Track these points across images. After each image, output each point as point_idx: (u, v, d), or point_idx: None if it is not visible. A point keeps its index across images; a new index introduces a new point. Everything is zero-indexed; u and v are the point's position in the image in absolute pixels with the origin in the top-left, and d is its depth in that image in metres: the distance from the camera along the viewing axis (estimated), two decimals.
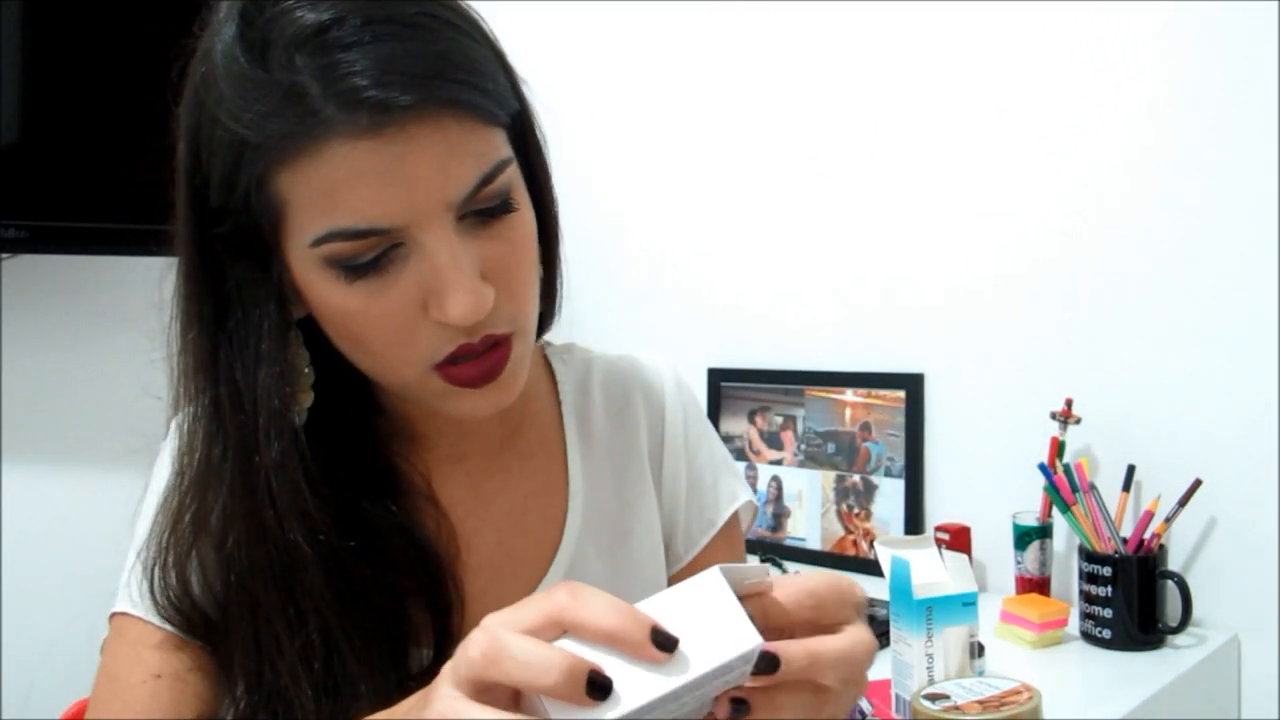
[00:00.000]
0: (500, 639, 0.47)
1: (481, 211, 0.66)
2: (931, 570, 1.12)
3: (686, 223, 2.02)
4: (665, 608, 0.50)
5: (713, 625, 0.50)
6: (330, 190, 0.62)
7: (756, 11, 1.89)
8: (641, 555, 0.87)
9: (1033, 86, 1.60)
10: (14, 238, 1.60)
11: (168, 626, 0.73)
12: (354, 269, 0.64)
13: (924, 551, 1.15)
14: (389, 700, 0.60)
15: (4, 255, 1.68)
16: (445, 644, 0.73)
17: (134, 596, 0.74)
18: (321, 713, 0.68)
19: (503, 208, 0.67)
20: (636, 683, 0.48)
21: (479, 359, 0.68)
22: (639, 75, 2.07)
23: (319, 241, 0.63)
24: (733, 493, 0.93)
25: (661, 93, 2.04)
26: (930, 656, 1.11)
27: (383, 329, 0.66)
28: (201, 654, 0.74)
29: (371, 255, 0.64)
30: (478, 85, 0.64)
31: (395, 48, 0.61)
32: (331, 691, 0.69)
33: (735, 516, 0.94)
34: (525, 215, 0.70)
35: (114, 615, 0.76)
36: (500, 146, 0.67)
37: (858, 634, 0.54)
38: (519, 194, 0.69)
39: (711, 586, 0.51)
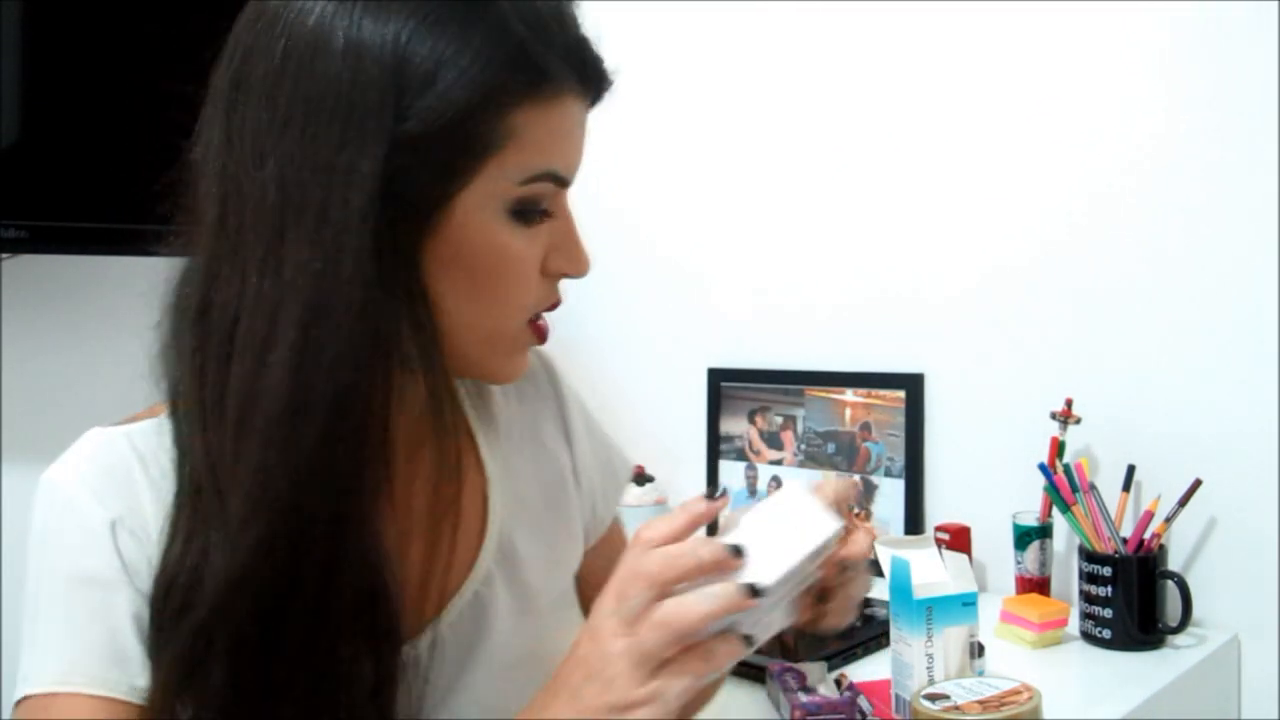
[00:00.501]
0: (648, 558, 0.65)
1: None
2: (931, 570, 1.12)
3: (687, 223, 2.02)
4: (763, 515, 0.69)
5: (805, 519, 0.69)
6: (557, 134, 0.71)
7: (758, 12, 1.89)
8: (562, 527, 0.91)
9: (1033, 87, 1.60)
10: (14, 238, 1.60)
11: (127, 697, 0.69)
12: (528, 215, 0.71)
13: (924, 551, 1.15)
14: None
15: (4, 255, 1.68)
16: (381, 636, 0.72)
17: (71, 669, 0.69)
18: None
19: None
20: (766, 564, 0.65)
21: (540, 317, 0.77)
22: (639, 75, 2.07)
23: (533, 179, 0.70)
24: (625, 462, 1.02)
25: (662, 92, 2.04)
26: (930, 656, 1.11)
27: (525, 275, 0.73)
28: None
29: (544, 205, 0.73)
30: None
31: (577, 25, 0.74)
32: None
33: None
34: None
35: (27, 700, 0.70)
36: None
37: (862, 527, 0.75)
38: None
39: (795, 494, 0.70)
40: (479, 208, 0.69)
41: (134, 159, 1.63)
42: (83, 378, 1.79)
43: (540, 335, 0.77)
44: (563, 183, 0.73)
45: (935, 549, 1.16)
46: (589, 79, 0.73)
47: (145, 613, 0.70)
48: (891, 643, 1.16)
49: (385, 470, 0.71)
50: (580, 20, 0.74)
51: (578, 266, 0.76)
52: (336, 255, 0.65)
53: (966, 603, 1.11)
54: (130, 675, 0.70)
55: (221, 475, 0.68)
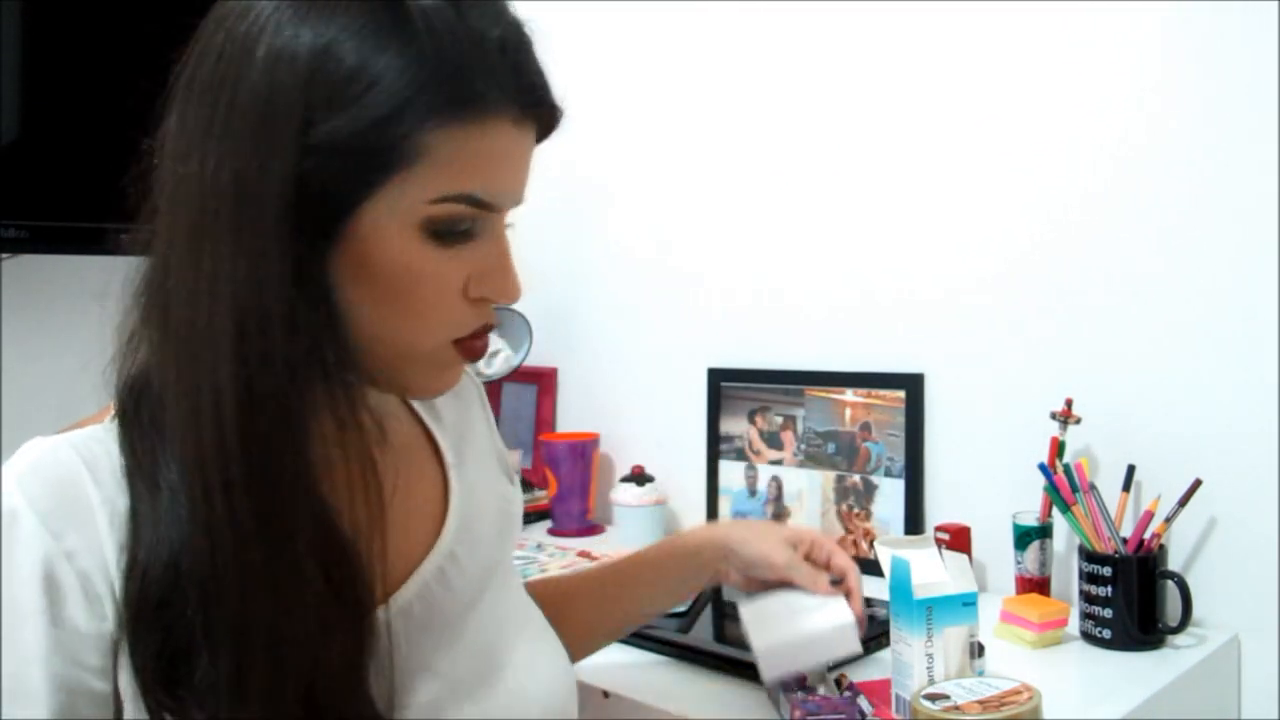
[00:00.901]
0: None
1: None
2: (931, 570, 1.12)
3: (687, 223, 2.02)
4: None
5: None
6: (478, 158, 0.69)
7: (759, 12, 1.89)
8: (511, 514, 0.97)
9: (1032, 86, 1.60)
10: (14, 238, 1.60)
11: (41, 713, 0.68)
12: (443, 235, 0.70)
13: (924, 551, 1.15)
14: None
15: (4, 255, 1.68)
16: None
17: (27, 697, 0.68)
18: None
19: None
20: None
21: (479, 337, 0.76)
22: (639, 75, 2.07)
23: (445, 199, 0.69)
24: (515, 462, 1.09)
25: (662, 92, 2.04)
26: (930, 656, 1.11)
27: (438, 297, 0.72)
28: None
29: (464, 226, 0.71)
30: None
31: (531, 56, 0.73)
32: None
33: None
34: None
35: None
36: None
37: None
38: None
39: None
40: (386, 222, 0.69)
41: (135, 159, 1.63)
42: (83, 378, 1.79)
43: (469, 355, 0.76)
44: (484, 207, 0.71)
45: (935, 549, 1.16)
46: (527, 107, 0.71)
47: (61, 644, 0.69)
48: (891, 643, 1.16)
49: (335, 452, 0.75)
50: (530, 48, 0.73)
51: (504, 294, 0.74)
52: (257, 259, 0.67)
53: (966, 603, 1.11)
54: (32, 710, 0.68)
55: (177, 467, 0.70)
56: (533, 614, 0.96)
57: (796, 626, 1.10)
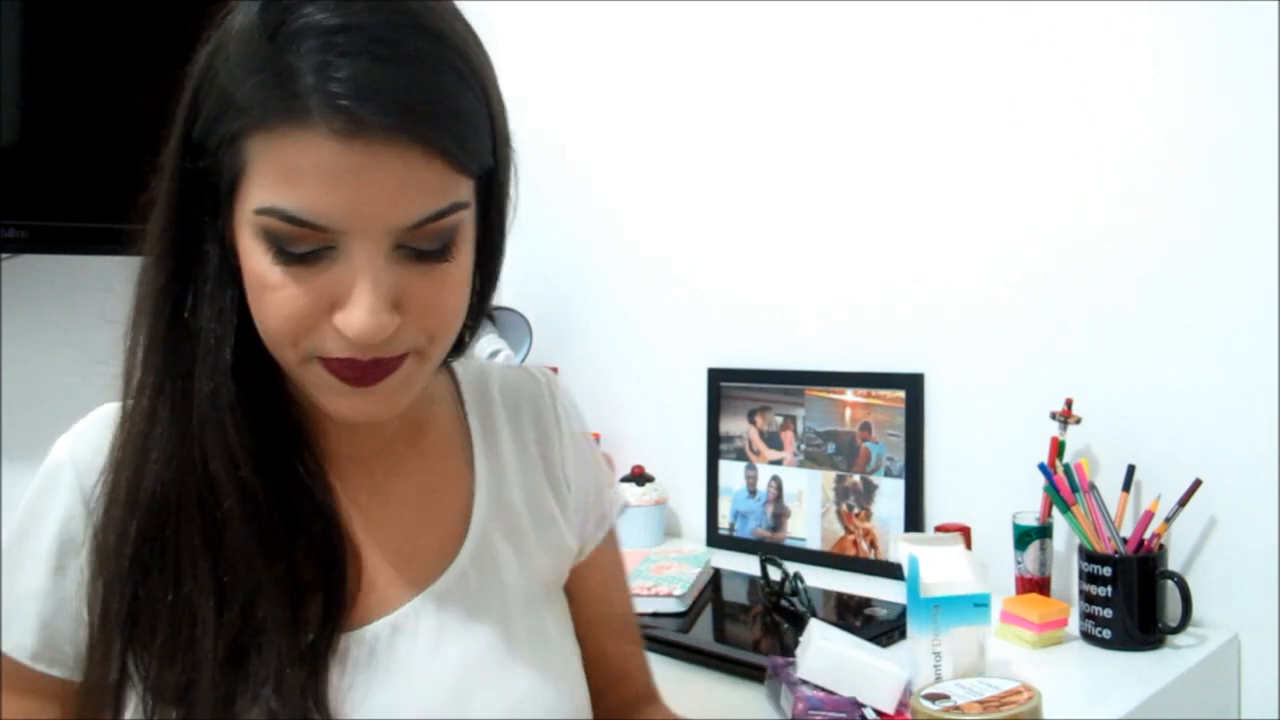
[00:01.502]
0: None
1: (419, 251, 0.69)
2: (945, 569, 1.12)
3: (686, 223, 2.02)
4: None
5: None
6: (286, 173, 0.65)
7: (759, 12, 1.89)
8: (546, 547, 0.91)
9: (1032, 88, 1.60)
10: (14, 238, 1.60)
11: (36, 664, 0.76)
12: (284, 252, 0.67)
13: (945, 550, 1.14)
14: (284, 673, 0.69)
15: (4, 255, 1.68)
16: (330, 623, 0.75)
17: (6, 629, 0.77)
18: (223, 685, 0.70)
19: (440, 254, 0.70)
20: None
21: (363, 367, 0.70)
22: (640, 76, 2.07)
23: (261, 212, 0.67)
24: (617, 495, 1.01)
25: (662, 93, 2.04)
26: (938, 654, 1.11)
27: (287, 310, 0.68)
28: (69, 694, 0.76)
29: (305, 248, 0.67)
30: (453, 131, 0.67)
31: (388, 71, 0.64)
32: (236, 660, 0.71)
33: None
34: (461, 265, 0.72)
35: None
36: (457, 190, 0.69)
37: None
38: (462, 243, 0.72)
39: None
40: (243, 232, 0.69)
41: (135, 159, 1.63)
42: (83, 378, 1.79)
43: (340, 375, 0.70)
44: (303, 225, 0.65)
45: (960, 549, 1.16)
46: (343, 119, 0.63)
47: (55, 591, 0.76)
48: (907, 639, 1.16)
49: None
50: (366, 53, 0.64)
51: (342, 324, 0.67)
52: (172, 261, 0.73)
53: (978, 604, 1.11)
54: (22, 636, 0.77)
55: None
56: (541, 649, 0.87)
57: (856, 651, 1.15)
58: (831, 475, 1.81)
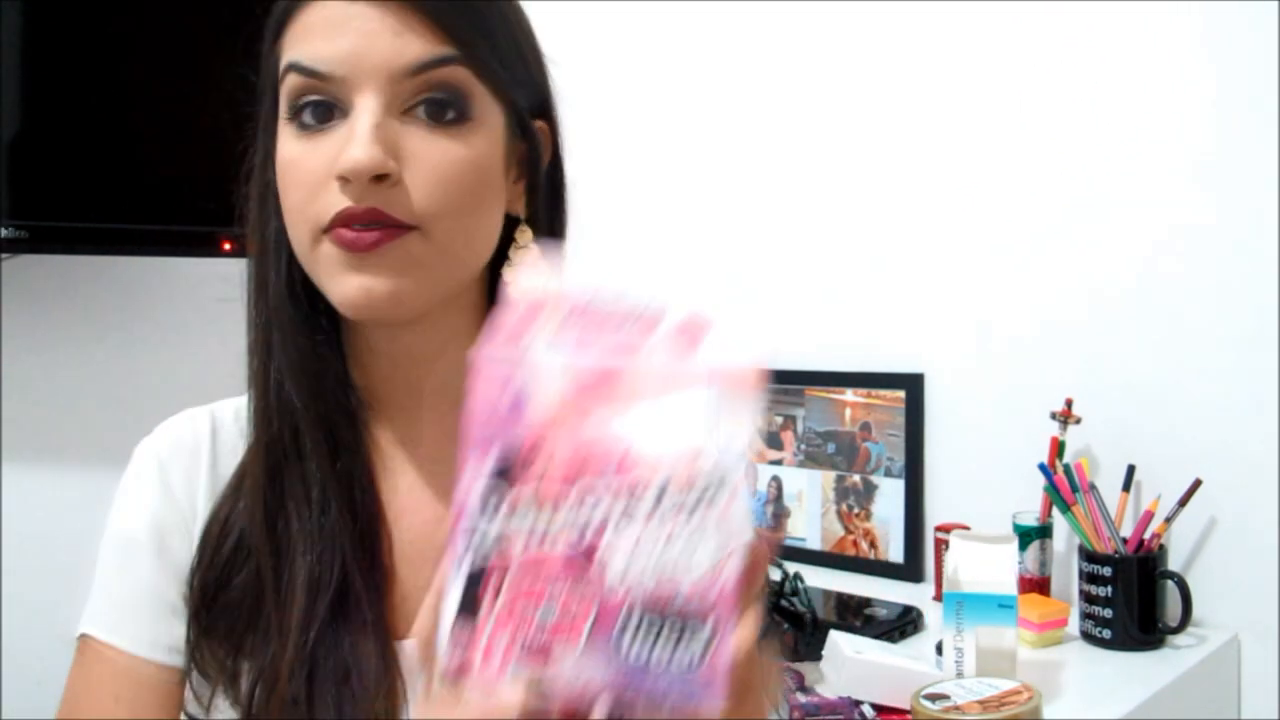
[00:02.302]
0: None
1: (432, 105, 0.70)
2: (984, 568, 1.12)
3: (686, 223, 2.02)
4: None
5: None
6: (305, 31, 0.71)
7: (759, 12, 1.89)
8: None
9: (1032, 86, 1.60)
10: (14, 238, 1.60)
11: (135, 647, 0.75)
12: (306, 125, 0.71)
13: (994, 548, 1.14)
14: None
15: (4, 255, 1.68)
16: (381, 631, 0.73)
17: (99, 616, 0.76)
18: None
19: (450, 122, 0.71)
20: None
21: (365, 230, 0.69)
22: (639, 73, 2.07)
23: (284, 74, 0.71)
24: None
25: (661, 92, 2.03)
26: (959, 650, 1.11)
27: (302, 179, 0.70)
28: (169, 681, 0.75)
29: (328, 120, 0.70)
30: (469, 13, 0.72)
31: None
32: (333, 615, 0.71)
33: None
34: (476, 149, 0.72)
35: (79, 637, 0.77)
36: (450, 47, 0.71)
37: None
38: (477, 124, 0.72)
39: None
40: (279, 124, 0.73)
41: (135, 159, 1.63)
42: (83, 378, 1.79)
43: (341, 241, 0.69)
44: (308, 73, 0.70)
45: (1011, 548, 1.16)
46: None
47: (171, 581, 0.76)
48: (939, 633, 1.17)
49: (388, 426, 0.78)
50: None
51: (341, 164, 0.68)
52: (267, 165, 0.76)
53: (1004, 604, 1.11)
54: (139, 629, 0.75)
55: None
56: None
57: (891, 658, 1.17)
58: (831, 475, 1.81)
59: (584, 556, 0.42)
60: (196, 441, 0.79)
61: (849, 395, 1.79)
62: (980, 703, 0.95)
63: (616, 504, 0.43)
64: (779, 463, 1.87)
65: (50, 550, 1.76)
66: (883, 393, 1.75)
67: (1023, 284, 1.62)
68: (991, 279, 1.65)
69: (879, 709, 1.18)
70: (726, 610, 0.43)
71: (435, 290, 0.71)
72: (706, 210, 1.99)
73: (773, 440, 1.89)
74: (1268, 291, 1.40)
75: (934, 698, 0.97)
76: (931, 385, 1.71)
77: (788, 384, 1.87)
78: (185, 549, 0.76)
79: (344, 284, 0.69)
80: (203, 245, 1.48)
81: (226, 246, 1.37)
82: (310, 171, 0.70)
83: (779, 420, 1.88)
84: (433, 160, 0.69)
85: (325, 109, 0.70)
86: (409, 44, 0.69)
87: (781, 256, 1.89)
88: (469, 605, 0.43)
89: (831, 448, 1.81)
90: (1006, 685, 0.99)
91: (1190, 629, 1.39)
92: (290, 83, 0.71)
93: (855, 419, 1.78)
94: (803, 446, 1.85)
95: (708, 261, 1.99)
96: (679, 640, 0.42)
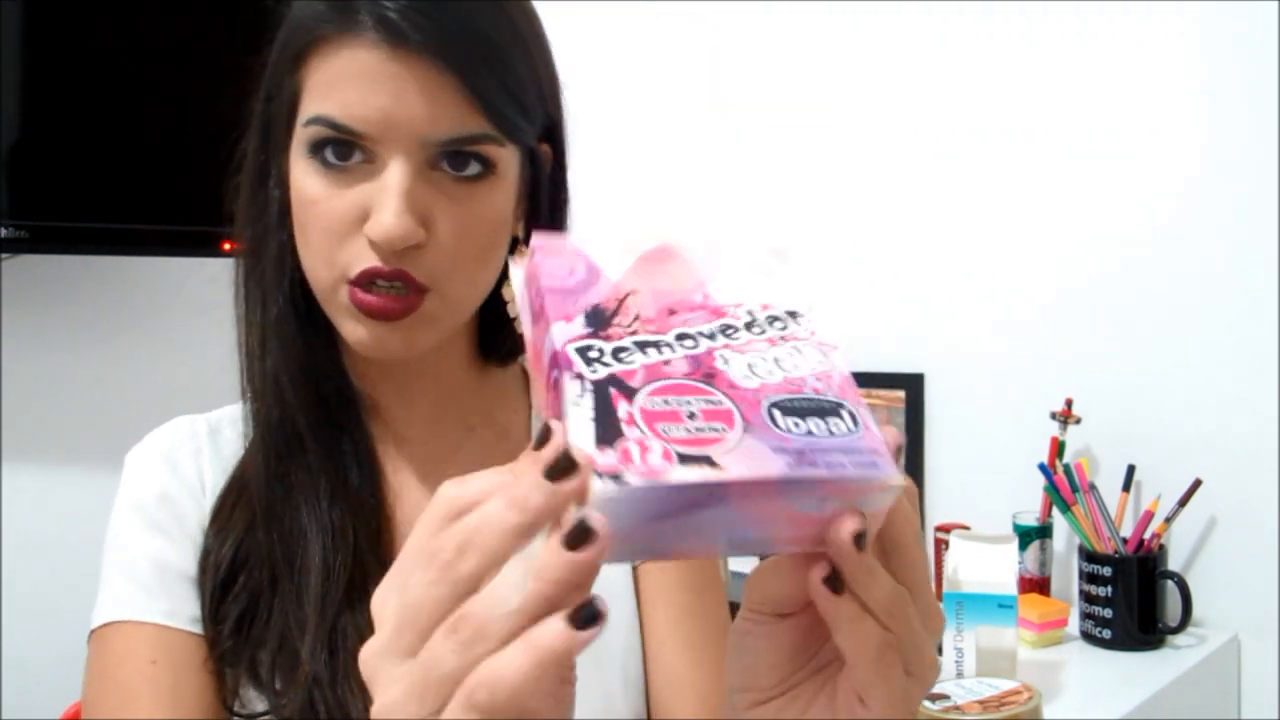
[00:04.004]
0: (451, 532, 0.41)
1: (454, 176, 0.70)
2: (984, 568, 1.12)
3: (686, 223, 2.02)
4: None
5: None
6: (334, 80, 0.69)
7: (760, 12, 1.89)
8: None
9: (1032, 87, 1.60)
10: (14, 238, 1.60)
11: (163, 619, 0.74)
12: (329, 164, 0.70)
13: (989, 547, 1.14)
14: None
15: (4, 255, 1.68)
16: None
17: (120, 599, 0.75)
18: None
19: (474, 179, 0.71)
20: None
21: (384, 295, 0.70)
22: (639, 73, 2.07)
23: (309, 123, 0.70)
24: None
25: (661, 91, 2.03)
26: (960, 650, 1.11)
27: (325, 224, 0.71)
28: (200, 649, 0.74)
29: (350, 159, 0.70)
30: (495, 67, 0.70)
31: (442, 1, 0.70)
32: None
33: None
34: (495, 208, 0.73)
35: (94, 631, 0.76)
36: (491, 129, 0.70)
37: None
38: (498, 185, 0.72)
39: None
40: (295, 156, 0.72)
41: (134, 159, 1.63)
42: (83, 378, 1.79)
43: (359, 304, 0.70)
44: (343, 131, 0.69)
45: (1011, 548, 1.16)
46: (382, 28, 0.68)
47: (188, 553, 0.76)
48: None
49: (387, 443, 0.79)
50: None
51: (373, 228, 0.69)
52: (258, 191, 0.76)
53: (1004, 605, 1.11)
54: (174, 603, 0.75)
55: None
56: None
57: None
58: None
59: (704, 375, 0.42)
60: (196, 440, 0.80)
61: None
62: (980, 703, 0.95)
63: (715, 331, 0.43)
64: None
65: (50, 550, 1.76)
66: (883, 393, 1.75)
67: (1023, 284, 1.62)
68: (992, 279, 1.65)
69: None
70: (855, 397, 0.43)
71: (444, 335, 0.75)
72: (706, 211, 1.99)
73: None
74: (1268, 292, 1.40)
75: (934, 698, 0.97)
76: (931, 385, 1.71)
77: None
78: (198, 521, 0.76)
79: (358, 331, 0.72)
80: (203, 245, 1.48)
81: (226, 247, 1.37)
82: (336, 218, 0.70)
83: None
84: (458, 223, 0.71)
85: (347, 148, 0.70)
86: (443, 114, 0.69)
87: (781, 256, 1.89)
88: (605, 425, 0.39)
89: None
90: (1006, 685, 0.99)
91: (1190, 629, 1.39)
92: (315, 132, 0.70)
93: None
94: None
95: None
96: (827, 417, 0.41)
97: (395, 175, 0.69)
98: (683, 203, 2.03)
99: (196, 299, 1.79)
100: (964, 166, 1.67)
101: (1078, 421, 1.53)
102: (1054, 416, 1.54)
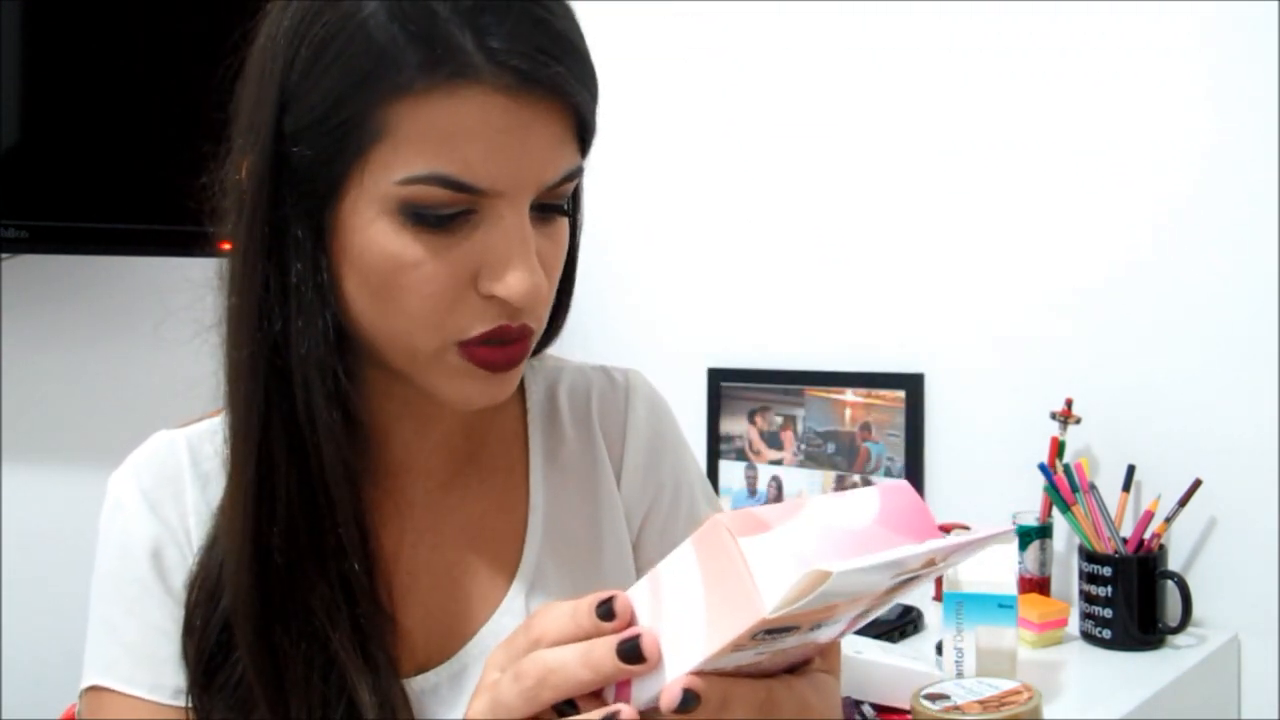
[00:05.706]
0: (536, 660, 0.51)
1: (545, 206, 0.66)
2: (984, 568, 1.12)
3: (686, 223, 2.02)
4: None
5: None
6: (451, 134, 0.61)
7: (759, 11, 1.89)
8: (611, 574, 0.82)
9: (1032, 87, 1.60)
10: (14, 238, 1.60)
11: (147, 693, 0.71)
12: (426, 220, 0.63)
13: (993, 548, 1.14)
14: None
15: (4, 255, 1.68)
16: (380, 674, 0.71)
17: (107, 662, 0.72)
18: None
19: (561, 209, 0.68)
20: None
21: (505, 345, 0.66)
22: (639, 74, 2.07)
23: (413, 181, 0.62)
24: (696, 516, 0.86)
25: (661, 92, 2.03)
26: (960, 650, 1.11)
27: (430, 288, 0.64)
28: None
29: (449, 211, 0.63)
30: (592, 93, 0.67)
31: (541, 28, 0.63)
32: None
33: None
34: (566, 224, 0.70)
35: (85, 691, 0.73)
36: (581, 153, 0.68)
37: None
38: (570, 208, 0.71)
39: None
40: (364, 207, 0.64)
41: (134, 159, 1.63)
42: (83, 378, 1.79)
43: (480, 362, 0.66)
44: (463, 189, 0.62)
45: (1011, 548, 1.16)
46: (505, 72, 0.61)
47: (172, 624, 0.72)
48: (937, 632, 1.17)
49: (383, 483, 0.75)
50: (504, 7, 0.62)
51: (505, 288, 0.63)
52: (257, 251, 0.67)
53: (1004, 604, 1.11)
54: (159, 676, 0.72)
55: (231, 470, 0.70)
56: None
57: (891, 658, 1.19)
58: (831, 475, 1.81)
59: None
60: (177, 468, 0.76)
61: (849, 395, 1.79)
62: (980, 703, 0.95)
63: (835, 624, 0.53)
64: (779, 463, 1.87)
65: (50, 550, 1.76)
66: (883, 393, 1.75)
67: (1023, 284, 1.62)
68: (991, 279, 1.65)
69: (879, 709, 1.18)
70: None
71: None
72: (707, 211, 1.99)
73: (773, 440, 1.89)
74: (1268, 292, 1.40)
75: (934, 698, 0.97)
76: (931, 385, 1.72)
77: (788, 384, 1.87)
78: (183, 574, 0.73)
79: (466, 389, 0.67)
80: (202, 246, 1.48)
81: (226, 247, 1.36)
82: (439, 280, 0.64)
83: (779, 420, 1.88)
84: (552, 259, 0.68)
85: (457, 206, 0.63)
86: (561, 155, 0.65)
87: (782, 257, 1.89)
88: None
89: (831, 448, 1.81)
90: (1006, 685, 0.98)
91: (1190, 629, 1.39)
92: (421, 192, 0.62)
93: (855, 419, 1.79)
94: (803, 446, 1.85)
95: (709, 262, 1.99)
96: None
97: (520, 229, 0.63)
98: (683, 203, 2.03)
99: (196, 299, 1.79)
100: (965, 167, 1.67)
101: (1078, 421, 1.53)
102: (1054, 416, 1.54)
